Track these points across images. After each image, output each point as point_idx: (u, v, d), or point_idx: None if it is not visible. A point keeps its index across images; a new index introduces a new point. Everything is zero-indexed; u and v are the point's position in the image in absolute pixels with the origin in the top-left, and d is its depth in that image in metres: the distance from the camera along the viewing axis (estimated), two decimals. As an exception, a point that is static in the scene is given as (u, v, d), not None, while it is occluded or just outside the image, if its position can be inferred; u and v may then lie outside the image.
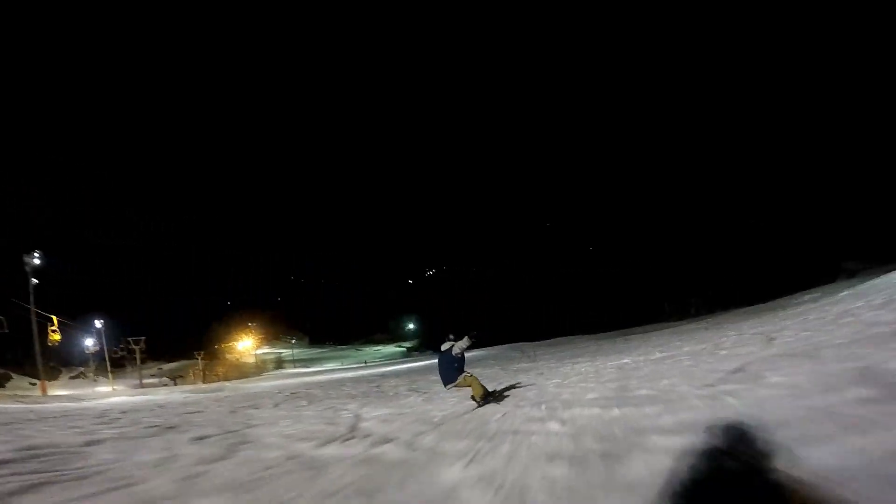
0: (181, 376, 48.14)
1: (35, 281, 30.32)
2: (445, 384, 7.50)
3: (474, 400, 7.22)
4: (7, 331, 31.36)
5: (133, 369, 58.68)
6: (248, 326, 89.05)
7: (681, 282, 48.62)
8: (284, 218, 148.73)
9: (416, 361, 43.06)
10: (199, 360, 54.38)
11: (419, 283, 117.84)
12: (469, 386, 7.25)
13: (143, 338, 40.48)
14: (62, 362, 48.26)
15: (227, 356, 76.03)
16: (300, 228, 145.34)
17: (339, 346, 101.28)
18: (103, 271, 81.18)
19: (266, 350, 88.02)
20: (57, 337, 32.72)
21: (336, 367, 54.80)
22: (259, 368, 65.88)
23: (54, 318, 32.11)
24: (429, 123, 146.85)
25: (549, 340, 38.54)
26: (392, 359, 71.00)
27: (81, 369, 46.59)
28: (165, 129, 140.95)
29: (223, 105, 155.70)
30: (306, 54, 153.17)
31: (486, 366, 20.36)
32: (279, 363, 72.29)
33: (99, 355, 46.19)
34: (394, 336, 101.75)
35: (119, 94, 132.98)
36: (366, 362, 67.80)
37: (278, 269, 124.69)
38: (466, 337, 7.34)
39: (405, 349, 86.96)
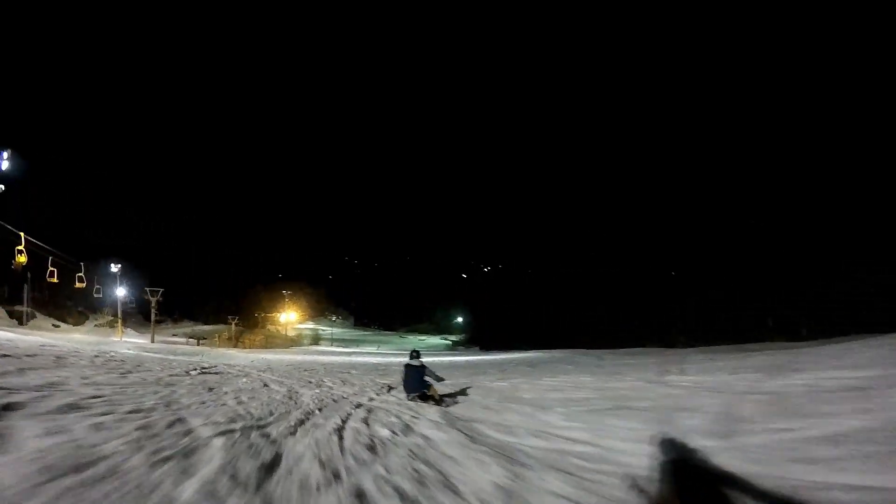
0: (205, 338, 44.78)
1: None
2: (409, 393, 8.46)
3: (432, 398, 8.15)
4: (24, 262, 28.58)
5: (170, 326, 56.83)
6: (294, 300, 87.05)
7: (788, 296, 40.51)
8: (344, 198, 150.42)
9: (459, 355, 37.49)
10: (232, 326, 51.12)
11: (473, 279, 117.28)
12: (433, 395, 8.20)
13: (160, 289, 36.92)
14: (92, 309, 46.23)
15: (269, 326, 74.06)
16: (359, 209, 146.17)
17: (382, 331, 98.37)
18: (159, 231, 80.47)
19: (310, 325, 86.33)
20: (22, 259, 28.19)
21: (369, 351, 49.78)
22: (293, 342, 62.61)
23: (22, 235, 27.76)
24: (500, 122, 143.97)
25: (622, 350, 31.95)
26: (435, 350, 66.32)
27: (111, 318, 44.05)
28: (245, 108, 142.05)
29: (303, 93, 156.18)
30: (371, 51, 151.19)
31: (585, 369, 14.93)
32: (315, 339, 68.64)
33: (133, 306, 43.78)
34: (439, 327, 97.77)
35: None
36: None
37: (332, 247, 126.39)
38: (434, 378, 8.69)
39: (450, 342, 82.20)
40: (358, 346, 66.66)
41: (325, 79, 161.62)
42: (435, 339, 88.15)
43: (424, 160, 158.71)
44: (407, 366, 8.75)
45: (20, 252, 25.97)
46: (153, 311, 36.24)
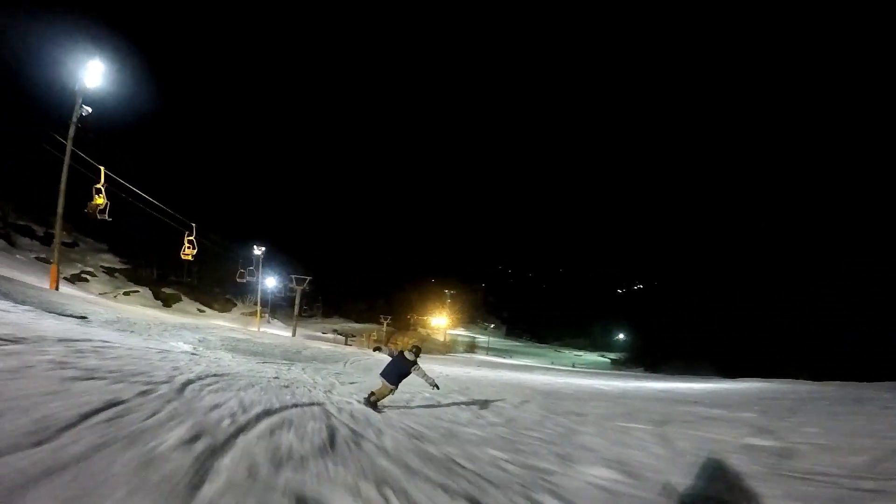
0: (353, 336, 40.00)
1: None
2: (389, 381, 7.60)
3: (371, 395, 7.46)
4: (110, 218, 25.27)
5: (319, 320, 54.08)
6: (447, 304, 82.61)
7: None
8: (503, 205, 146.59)
9: (625, 377, 26.39)
10: (384, 326, 46.18)
11: (629, 295, 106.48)
12: (385, 392, 7.50)
13: (307, 278, 32.11)
14: (242, 297, 44.14)
15: (421, 329, 70.02)
16: (518, 218, 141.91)
17: (535, 342, 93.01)
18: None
19: (460, 332, 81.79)
20: (190, 253, 25.27)
21: (543, 367, 40.79)
22: (447, 348, 56.90)
23: (193, 225, 24.61)
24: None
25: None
26: (594, 368, 56.85)
27: (259, 307, 41.22)
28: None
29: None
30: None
31: None
32: (471, 347, 62.94)
33: (282, 296, 40.63)
34: (596, 343, 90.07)
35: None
36: (573, 365, 57.40)
37: (487, 254, 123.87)
38: (411, 351, 7.93)
39: (609, 360, 74.26)
40: (510, 356, 60.03)
41: (503, 85, 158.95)
42: (592, 356, 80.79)
43: (585, 171, 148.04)
44: (397, 356, 7.92)
45: (191, 241, 23.57)
46: (297, 301, 31.59)
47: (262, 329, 30.78)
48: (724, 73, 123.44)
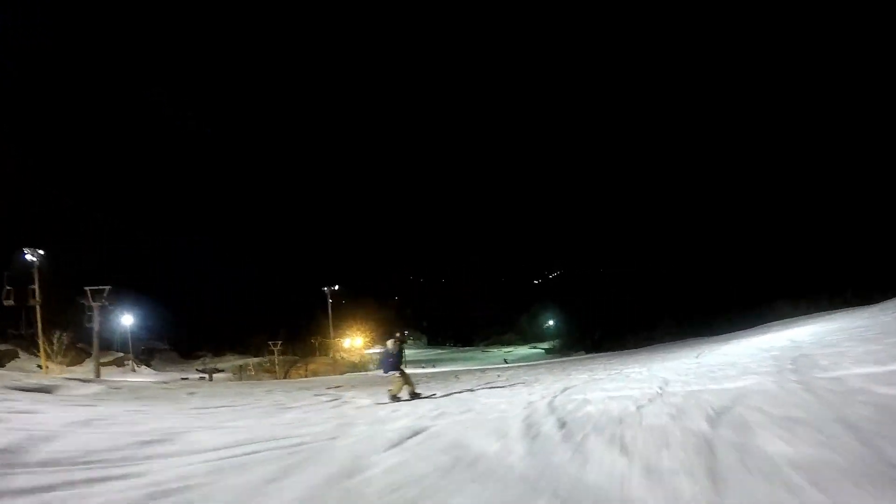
0: (222, 371, 35.46)
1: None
2: (384, 371, 9.63)
3: (390, 392, 8.83)
4: (13, 303, 26.27)
5: (209, 359, 48.38)
6: (359, 325, 78.89)
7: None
8: (404, 215, 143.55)
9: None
10: (276, 355, 41.85)
11: (546, 284, 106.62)
12: (399, 384, 8.93)
13: (106, 288, 25.93)
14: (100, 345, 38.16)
15: (335, 354, 65.59)
16: (420, 225, 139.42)
17: (461, 347, 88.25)
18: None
19: (378, 350, 77.57)
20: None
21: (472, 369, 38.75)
22: (356, 367, 53.28)
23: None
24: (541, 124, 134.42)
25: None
26: (530, 360, 55.71)
27: (121, 354, 35.65)
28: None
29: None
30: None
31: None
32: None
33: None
34: (526, 336, 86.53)
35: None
36: (505, 361, 55.53)
37: (396, 266, 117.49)
38: (392, 340, 9.64)
39: (543, 350, 71.35)
40: (434, 365, 57.04)
41: (390, 84, 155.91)
42: (524, 349, 77.16)
43: (484, 168, 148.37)
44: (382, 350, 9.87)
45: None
46: (95, 326, 25.89)
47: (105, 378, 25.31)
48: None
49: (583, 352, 52.46)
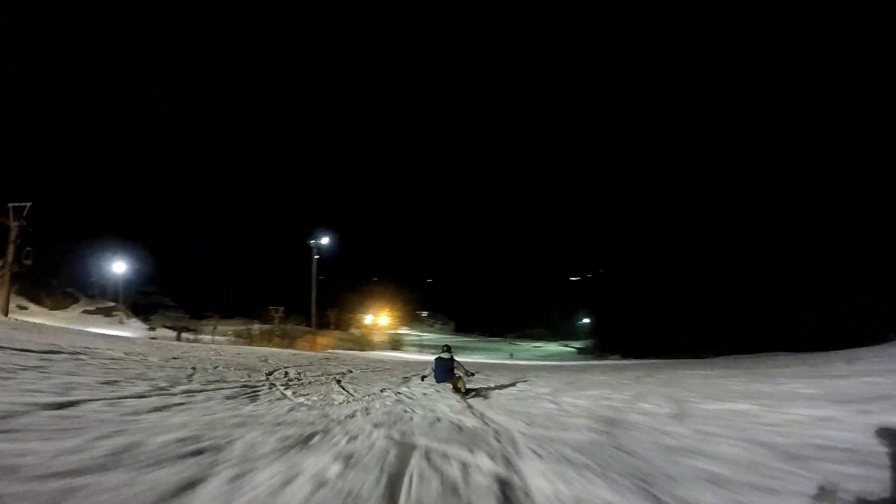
0: (192, 330, 33.00)
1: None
2: (438, 381, 9.32)
3: (458, 391, 8.48)
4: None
5: (218, 321, 46.47)
6: (386, 303, 76.71)
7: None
8: (446, 199, 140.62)
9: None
10: (277, 320, 39.39)
11: (583, 282, 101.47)
12: (458, 384, 8.74)
13: (27, 204, 23.06)
14: (87, 292, 36.55)
15: (354, 330, 63.28)
16: (458, 210, 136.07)
17: (488, 338, 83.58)
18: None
19: (405, 331, 75.05)
20: None
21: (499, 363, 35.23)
22: (369, 345, 50.89)
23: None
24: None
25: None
26: (554, 357, 51.47)
27: (111, 304, 33.82)
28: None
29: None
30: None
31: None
32: (396, 343, 56.28)
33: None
34: (558, 333, 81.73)
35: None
36: (511, 355, 52.79)
37: (432, 249, 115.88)
38: (463, 372, 9.31)
39: (575, 349, 66.90)
40: (457, 353, 53.72)
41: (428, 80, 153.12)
42: (553, 346, 72.83)
43: (527, 159, 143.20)
44: (438, 359, 9.53)
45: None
46: (11, 246, 23.17)
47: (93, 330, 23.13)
48: (697, 56, 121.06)
49: (618, 356, 47.53)
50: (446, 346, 10.10)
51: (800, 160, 60.53)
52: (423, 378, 10.52)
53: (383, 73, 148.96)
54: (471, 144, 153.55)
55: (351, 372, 11.71)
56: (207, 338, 30.48)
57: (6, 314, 22.11)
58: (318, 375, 10.54)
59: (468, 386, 8.87)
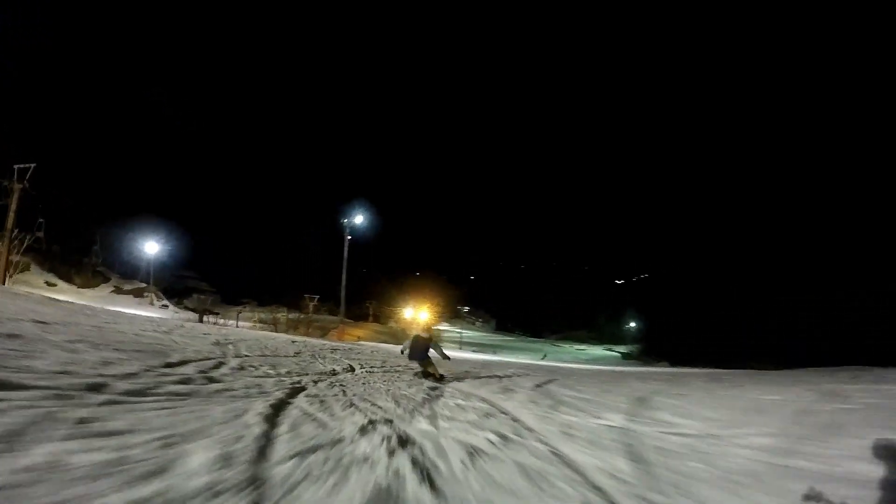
0: (215, 312, 31.83)
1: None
2: (412, 359, 9.34)
3: (430, 375, 8.83)
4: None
5: (254, 308, 45.69)
6: (427, 298, 75.00)
7: None
8: (492, 197, 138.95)
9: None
10: (310, 307, 38.15)
11: (629, 285, 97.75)
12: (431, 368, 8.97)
13: (31, 166, 22.07)
14: (122, 272, 36.18)
15: (392, 323, 61.92)
16: (506, 210, 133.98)
17: (529, 338, 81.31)
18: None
19: (445, 327, 73.38)
20: None
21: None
22: (401, 338, 48.87)
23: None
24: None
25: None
26: (598, 361, 48.32)
27: (143, 286, 33.30)
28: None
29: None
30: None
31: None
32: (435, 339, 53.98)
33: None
34: (602, 336, 78.80)
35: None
36: (544, 356, 49.77)
37: (476, 247, 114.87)
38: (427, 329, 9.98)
39: (619, 354, 63.71)
40: (495, 352, 51.47)
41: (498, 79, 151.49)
42: (597, 350, 69.79)
43: (578, 161, 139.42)
44: (416, 336, 9.34)
45: None
46: (11, 213, 22.06)
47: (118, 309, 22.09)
48: (734, 64, 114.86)
49: (666, 363, 44.36)
50: (428, 326, 10.51)
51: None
52: (402, 352, 10.29)
53: (433, 66, 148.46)
54: (520, 143, 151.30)
55: (336, 374, 8.82)
56: (231, 322, 29.24)
57: (3, 282, 21.34)
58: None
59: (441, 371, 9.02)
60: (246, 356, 8.06)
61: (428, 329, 9.97)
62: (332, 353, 12.19)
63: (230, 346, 9.44)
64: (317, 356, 10.80)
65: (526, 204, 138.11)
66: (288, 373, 6.66)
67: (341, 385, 6.23)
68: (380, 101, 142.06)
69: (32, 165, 22.01)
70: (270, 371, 6.51)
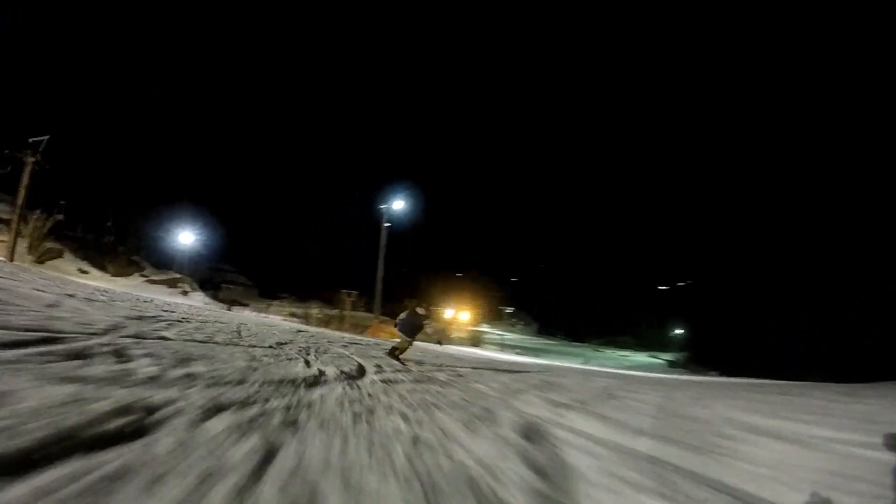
0: (244, 304, 31.03)
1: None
2: (401, 332, 9.16)
3: (395, 349, 9.05)
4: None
5: (292, 303, 45.04)
6: (468, 299, 73.90)
7: None
8: (536, 198, 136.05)
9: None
10: (347, 303, 37.32)
11: (673, 291, 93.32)
12: (404, 346, 9.05)
13: (45, 138, 21.22)
14: (157, 262, 36.06)
15: (434, 322, 60.61)
16: (550, 212, 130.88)
17: (571, 342, 79.88)
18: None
19: (486, 328, 72.05)
20: None
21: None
22: (447, 340, 48.41)
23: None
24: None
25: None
26: (643, 368, 45.63)
27: (178, 276, 33.16)
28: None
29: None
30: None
31: None
32: (475, 340, 54.93)
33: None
34: (646, 343, 77.05)
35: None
36: (585, 360, 50.80)
37: (520, 248, 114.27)
38: (423, 308, 9.47)
39: (665, 362, 61.62)
40: (538, 356, 49.61)
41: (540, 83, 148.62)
42: (641, 357, 67.87)
43: (619, 167, 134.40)
44: (412, 312, 9.21)
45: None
46: (23, 187, 21.29)
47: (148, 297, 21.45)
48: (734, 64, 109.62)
49: (716, 372, 42.01)
50: (426, 306, 9.84)
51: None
52: (395, 325, 9.98)
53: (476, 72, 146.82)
54: (565, 147, 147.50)
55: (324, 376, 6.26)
56: (253, 314, 28.61)
57: (11, 259, 20.92)
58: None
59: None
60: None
61: (427, 309, 9.62)
62: (343, 348, 10.49)
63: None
64: (303, 351, 7.94)
65: (571, 208, 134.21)
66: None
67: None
68: (427, 100, 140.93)
69: (46, 138, 21.62)
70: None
